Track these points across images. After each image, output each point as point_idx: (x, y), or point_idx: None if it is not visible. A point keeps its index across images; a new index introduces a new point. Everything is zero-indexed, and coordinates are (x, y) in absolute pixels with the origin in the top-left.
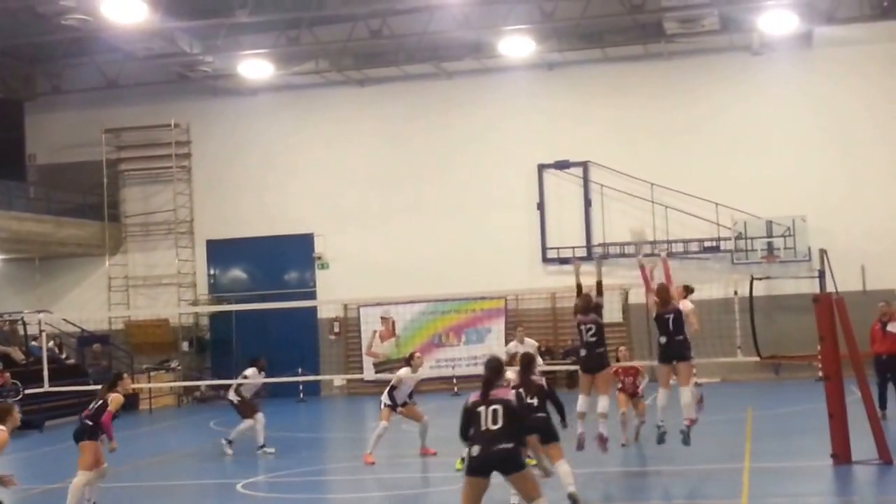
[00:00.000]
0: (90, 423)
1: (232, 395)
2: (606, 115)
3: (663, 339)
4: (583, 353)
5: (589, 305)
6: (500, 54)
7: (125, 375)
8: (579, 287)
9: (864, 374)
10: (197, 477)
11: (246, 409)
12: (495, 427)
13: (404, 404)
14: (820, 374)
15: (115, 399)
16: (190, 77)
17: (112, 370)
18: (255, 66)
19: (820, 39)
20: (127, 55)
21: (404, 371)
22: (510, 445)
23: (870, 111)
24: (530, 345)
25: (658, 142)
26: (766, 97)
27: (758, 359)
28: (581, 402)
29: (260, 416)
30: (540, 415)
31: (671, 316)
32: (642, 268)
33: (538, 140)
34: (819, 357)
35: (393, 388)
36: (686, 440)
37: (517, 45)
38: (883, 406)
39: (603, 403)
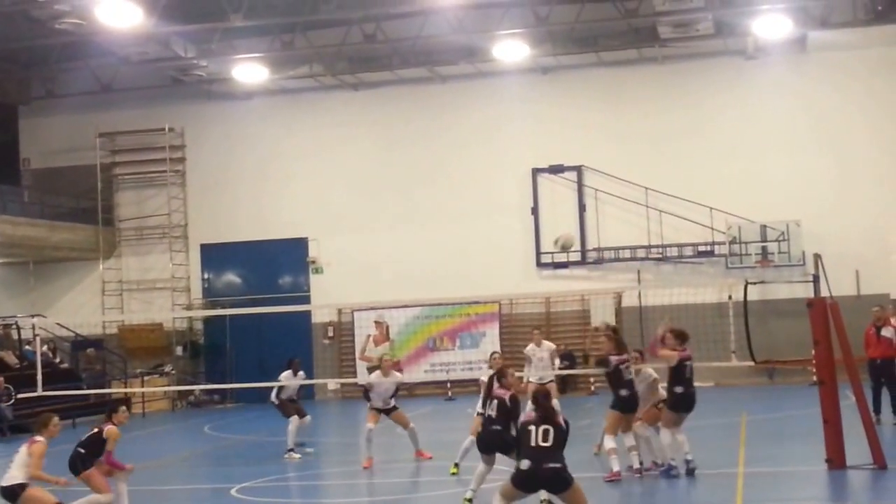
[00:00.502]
0: (82, 450)
1: (273, 398)
2: (601, 120)
3: (680, 389)
4: (625, 393)
5: (623, 344)
6: (495, 58)
7: (122, 408)
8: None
9: (858, 378)
10: (191, 482)
11: (288, 408)
12: (545, 444)
13: (392, 410)
14: (814, 378)
15: (111, 433)
16: (184, 81)
17: (106, 374)
18: (249, 70)
19: (814, 44)
20: (121, 59)
21: (374, 375)
22: (558, 465)
23: (863, 115)
24: (547, 347)
25: (652, 146)
26: (761, 101)
27: (752, 363)
28: (611, 440)
29: (295, 418)
30: (495, 427)
31: (690, 363)
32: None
33: (532, 144)
34: (813, 362)
35: (366, 389)
36: (692, 472)
37: (511, 50)
38: (877, 410)
39: (630, 438)
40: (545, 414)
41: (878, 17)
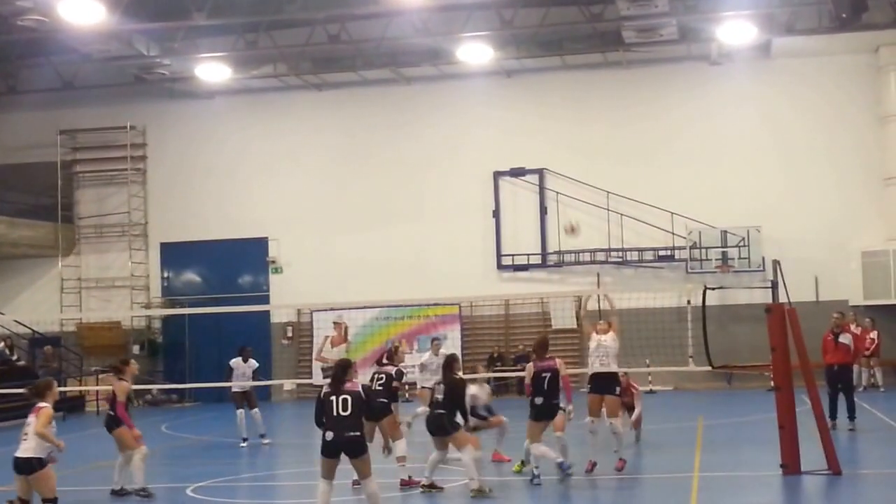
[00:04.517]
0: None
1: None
2: (563, 123)
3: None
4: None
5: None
6: (459, 61)
7: (131, 361)
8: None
9: (814, 384)
10: (147, 480)
11: (236, 400)
12: (345, 414)
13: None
14: (772, 384)
15: (120, 388)
16: (147, 79)
17: (62, 372)
18: (212, 70)
19: (778, 50)
20: (83, 57)
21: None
22: (357, 433)
23: (825, 122)
24: (444, 354)
25: (614, 150)
26: (724, 107)
27: (710, 368)
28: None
29: (241, 410)
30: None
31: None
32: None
33: (494, 147)
34: (771, 367)
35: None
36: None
37: (476, 52)
38: (833, 416)
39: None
40: (338, 384)
41: (843, 24)
